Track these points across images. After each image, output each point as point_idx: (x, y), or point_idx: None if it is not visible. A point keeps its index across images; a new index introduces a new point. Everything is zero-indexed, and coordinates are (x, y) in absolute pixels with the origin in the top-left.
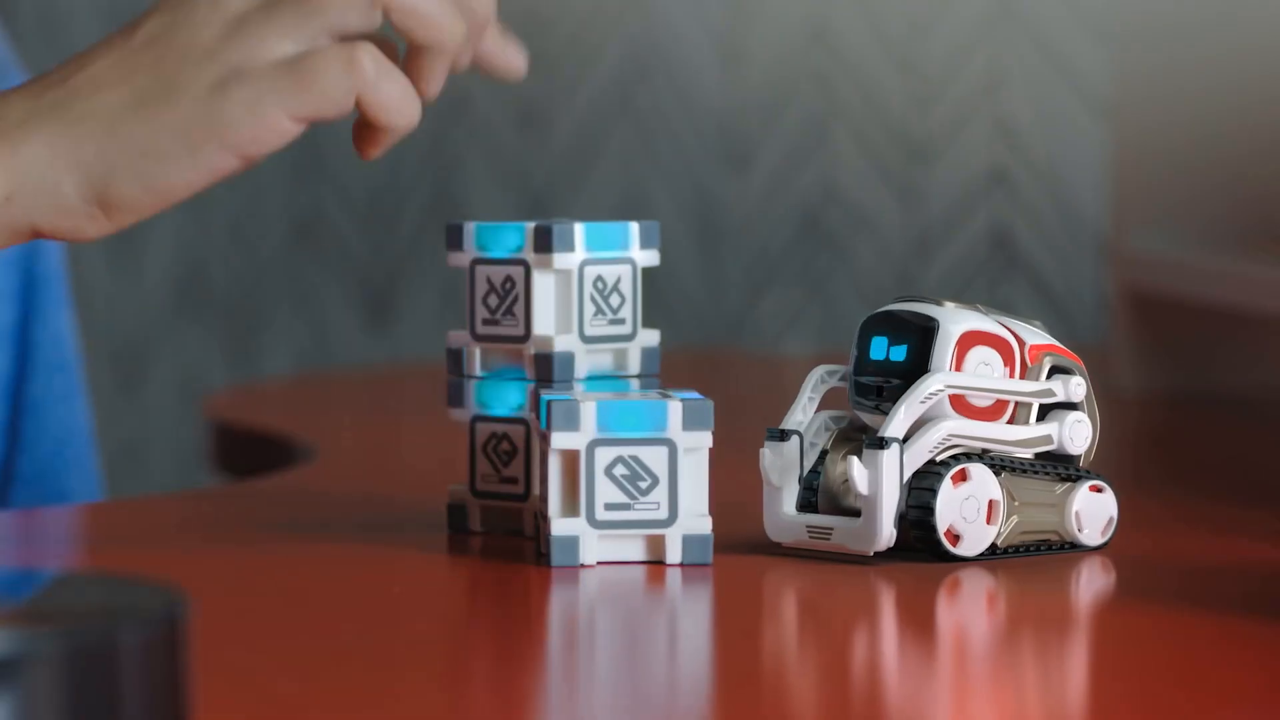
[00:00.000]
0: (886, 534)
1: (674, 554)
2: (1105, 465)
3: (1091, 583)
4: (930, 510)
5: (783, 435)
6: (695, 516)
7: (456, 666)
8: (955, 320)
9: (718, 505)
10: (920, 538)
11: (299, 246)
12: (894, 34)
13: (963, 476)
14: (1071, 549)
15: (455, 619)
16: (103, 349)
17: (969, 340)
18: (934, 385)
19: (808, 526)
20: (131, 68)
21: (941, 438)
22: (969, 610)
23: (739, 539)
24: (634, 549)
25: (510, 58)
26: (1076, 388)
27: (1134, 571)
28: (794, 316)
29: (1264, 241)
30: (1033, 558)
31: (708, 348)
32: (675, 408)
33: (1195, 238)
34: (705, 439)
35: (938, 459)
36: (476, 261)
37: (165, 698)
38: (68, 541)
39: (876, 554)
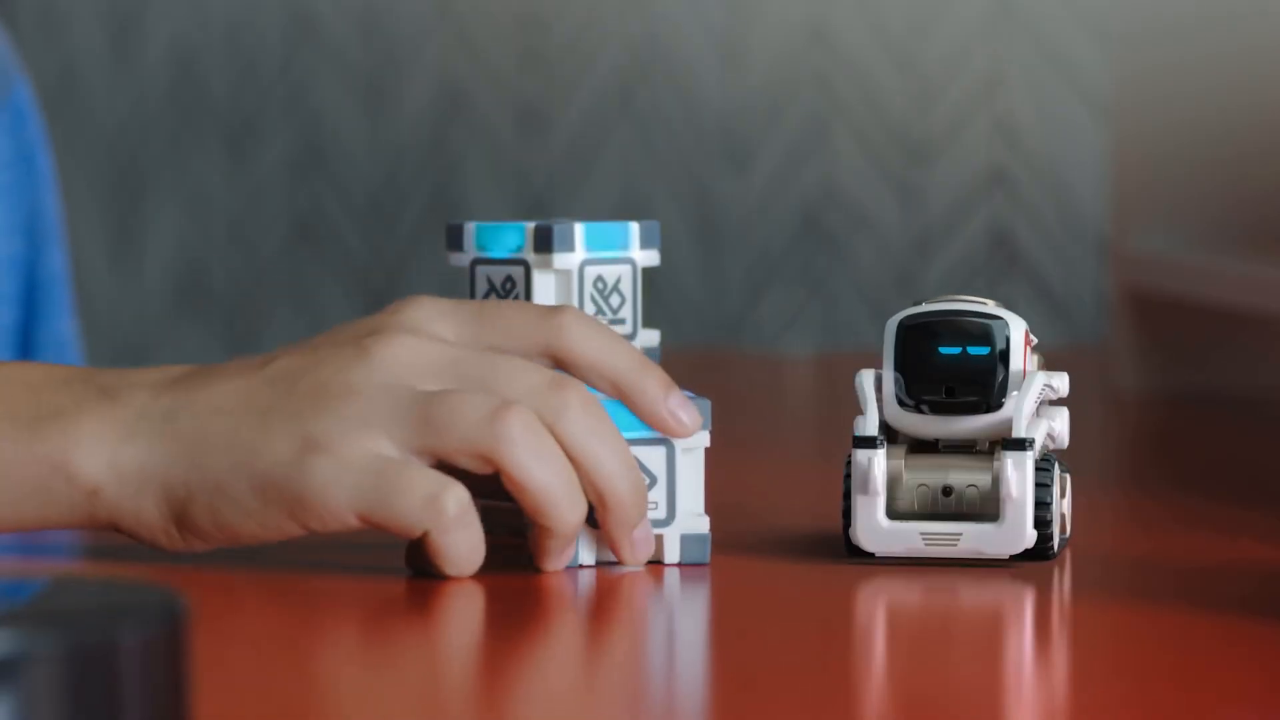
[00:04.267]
0: (1030, 534)
1: (672, 554)
2: (1105, 465)
3: (1091, 582)
4: (1049, 508)
5: (871, 442)
6: (693, 516)
7: (456, 667)
8: (1014, 321)
9: (718, 505)
10: (1039, 531)
11: (299, 246)
12: (894, 34)
13: (1063, 489)
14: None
15: (455, 619)
16: (104, 348)
17: (1025, 340)
18: (1039, 384)
19: (923, 534)
20: (247, 402)
21: (1044, 437)
22: (970, 609)
23: (739, 539)
24: None
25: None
26: (1065, 382)
27: (1134, 571)
28: (794, 316)
29: (1264, 241)
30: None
31: (708, 348)
32: None
33: (1195, 238)
34: (703, 439)
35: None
36: (477, 261)
37: (166, 698)
38: (68, 542)
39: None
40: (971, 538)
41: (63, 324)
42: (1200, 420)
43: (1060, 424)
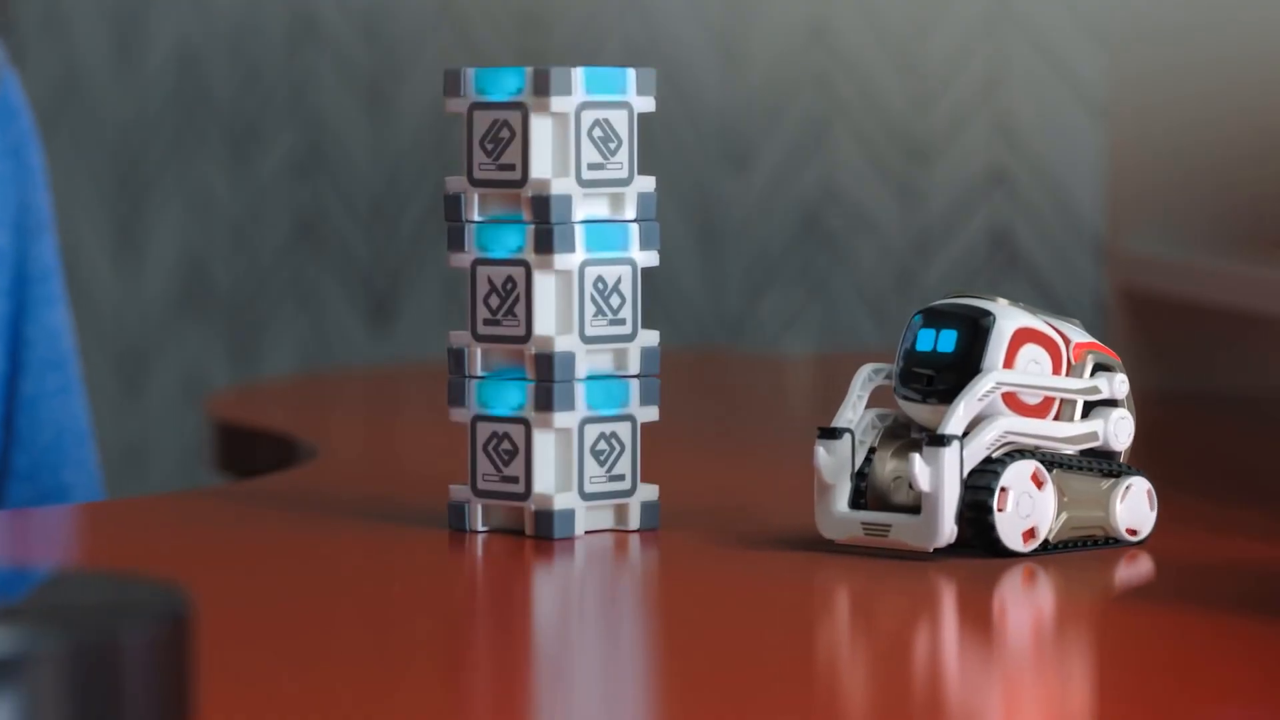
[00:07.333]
0: (948, 530)
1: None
2: None
3: (1088, 579)
4: (991, 493)
5: (835, 433)
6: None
7: (457, 665)
8: (1009, 317)
9: (717, 505)
10: (974, 520)
11: (301, 247)
12: (894, 34)
13: (1038, 480)
14: (1115, 544)
15: (455, 618)
16: (107, 350)
17: (1021, 338)
18: (989, 383)
19: (863, 523)
20: None
21: (997, 435)
22: (967, 609)
23: (738, 539)
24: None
25: None
26: (1120, 385)
27: (1131, 570)
28: (794, 316)
29: (1259, 243)
30: (1075, 553)
31: (708, 348)
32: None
33: (1190, 239)
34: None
35: (994, 455)
36: (478, 262)
37: (169, 696)
38: (70, 540)
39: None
40: (899, 529)
41: (54, 316)
42: (1195, 419)
43: (1111, 425)
